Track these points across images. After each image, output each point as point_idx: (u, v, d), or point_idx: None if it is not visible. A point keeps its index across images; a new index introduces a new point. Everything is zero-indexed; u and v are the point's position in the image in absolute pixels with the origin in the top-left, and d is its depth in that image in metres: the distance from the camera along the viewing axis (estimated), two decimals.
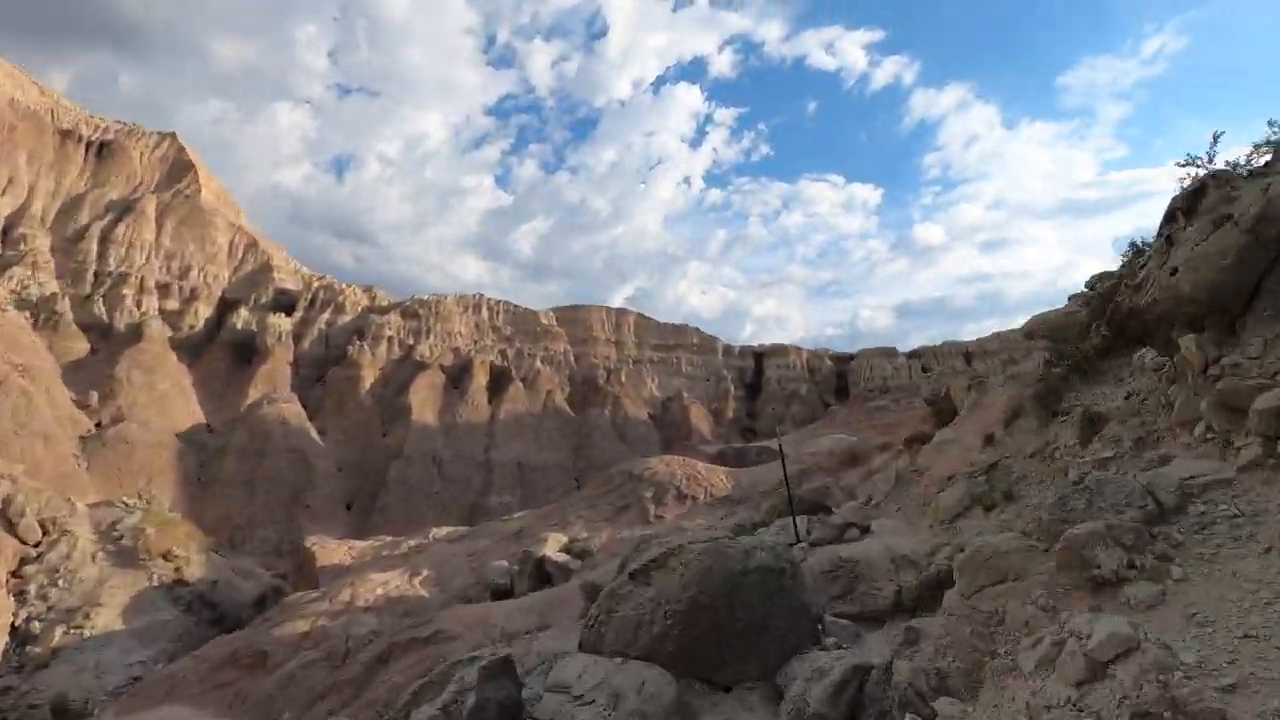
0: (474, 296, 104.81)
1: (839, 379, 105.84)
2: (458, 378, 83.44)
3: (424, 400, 76.33)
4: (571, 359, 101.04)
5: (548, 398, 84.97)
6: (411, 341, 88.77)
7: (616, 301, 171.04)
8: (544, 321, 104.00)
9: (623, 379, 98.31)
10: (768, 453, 58.23)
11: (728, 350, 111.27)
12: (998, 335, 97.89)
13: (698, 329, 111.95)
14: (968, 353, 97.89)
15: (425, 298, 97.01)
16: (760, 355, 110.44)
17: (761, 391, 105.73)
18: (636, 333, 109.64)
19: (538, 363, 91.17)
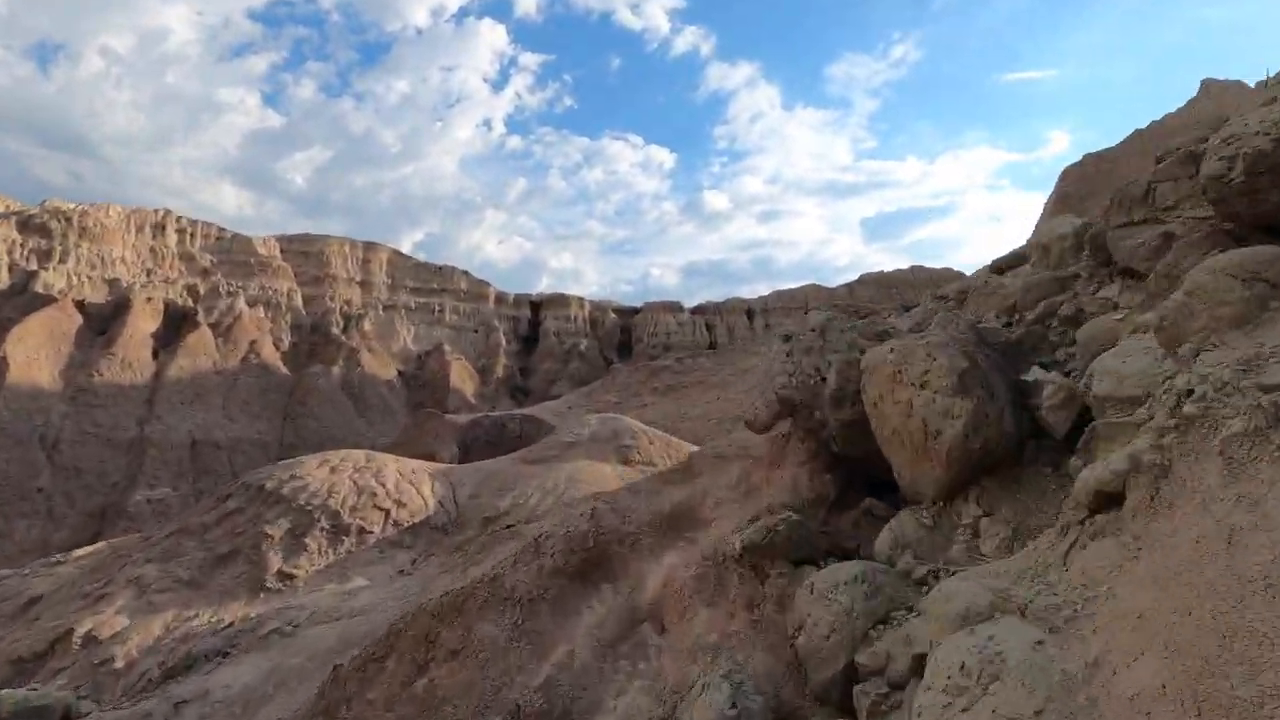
0: (157, 213, 77.49)
1: (623, 334, 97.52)
2: (105, 321, 59.11)
3: (35, 351, 51.85)
4: (299, 301, 79.57)
5: (251, 350, 64.11)
6: (34, 266, 61.63)
7: (406, 246, 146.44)
8: (262, 251, 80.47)
9: (366, 328, 79.68)
10: (533, 424, 46.50)
11: (500, 298, 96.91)
12: (778, 293, 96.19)
13: (466, 272, 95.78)
14: (749, 310, 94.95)
15: (67, 206, 68.59)
16: (538, 305, 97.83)
17: (539, 346, 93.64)
18: (390, 272, 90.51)
19: (240, 303, 68.97)
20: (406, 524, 19.30)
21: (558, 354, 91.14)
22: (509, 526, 17.92)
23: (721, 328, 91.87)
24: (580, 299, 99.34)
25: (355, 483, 20.03)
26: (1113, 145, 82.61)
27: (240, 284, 74.19)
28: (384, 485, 20.13)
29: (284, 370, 66.07)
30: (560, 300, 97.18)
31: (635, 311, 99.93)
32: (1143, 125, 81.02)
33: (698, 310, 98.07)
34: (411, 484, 20.90)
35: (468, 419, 49.25)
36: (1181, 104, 77.38)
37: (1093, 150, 77.01)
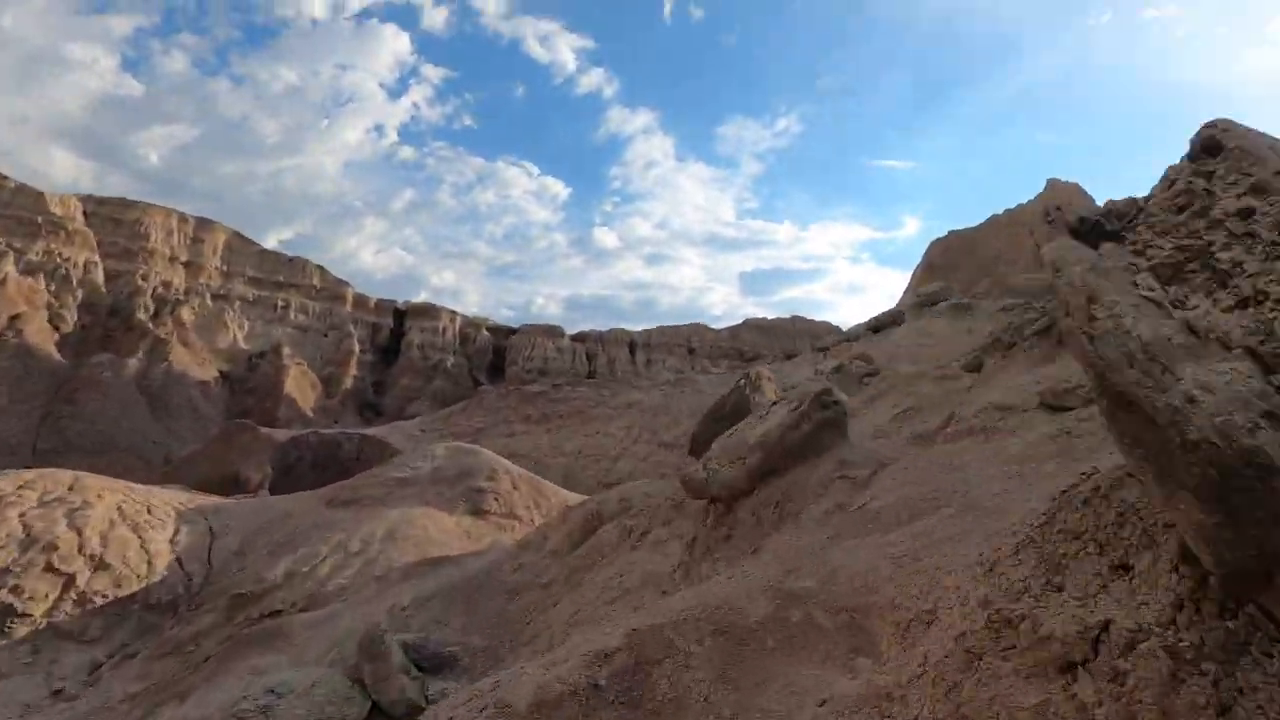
0: None
1: (496, 354, 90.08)
2: None
3: None
4: (99, 276, 65.47)
5: (10, 326, 50.59)
6: None
7: (271, 242, 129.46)
8: (56, 210, 65.69)
9: (185, 317, 66.94)
10: (375, 447, 38.61)
11: (360, 301, 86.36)
12: (661, 328, 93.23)
13: (322, 267, 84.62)
14: (632, 342, 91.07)
15: None
16: (403, 313, 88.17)
17: (399, 358, 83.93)
18: (227, 257, 77.71)
19: (8, 266, 54.86)
20: (105, 598, 12.06)
21: (420, 369, 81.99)
22: (272, 614, 11.28)
23: (603, 358, 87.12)
24: (452, 312, 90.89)
25: (26, 526, 12.50)
26: (974, 225, 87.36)
27: (17, 245, 59.51)
28: (78, 531, 12.71)
29: (56, 357, 52.76)
30: (429, 310, 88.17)
31: (512, 332, 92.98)
32: (999, 211, 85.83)
33: (579, 338, 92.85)
34: (135, 530, 13.58)
35: (290, 435, 40.40)
36: (1029, 198, 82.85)
37: (955, 229, 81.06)
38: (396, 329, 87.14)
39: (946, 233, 76.14)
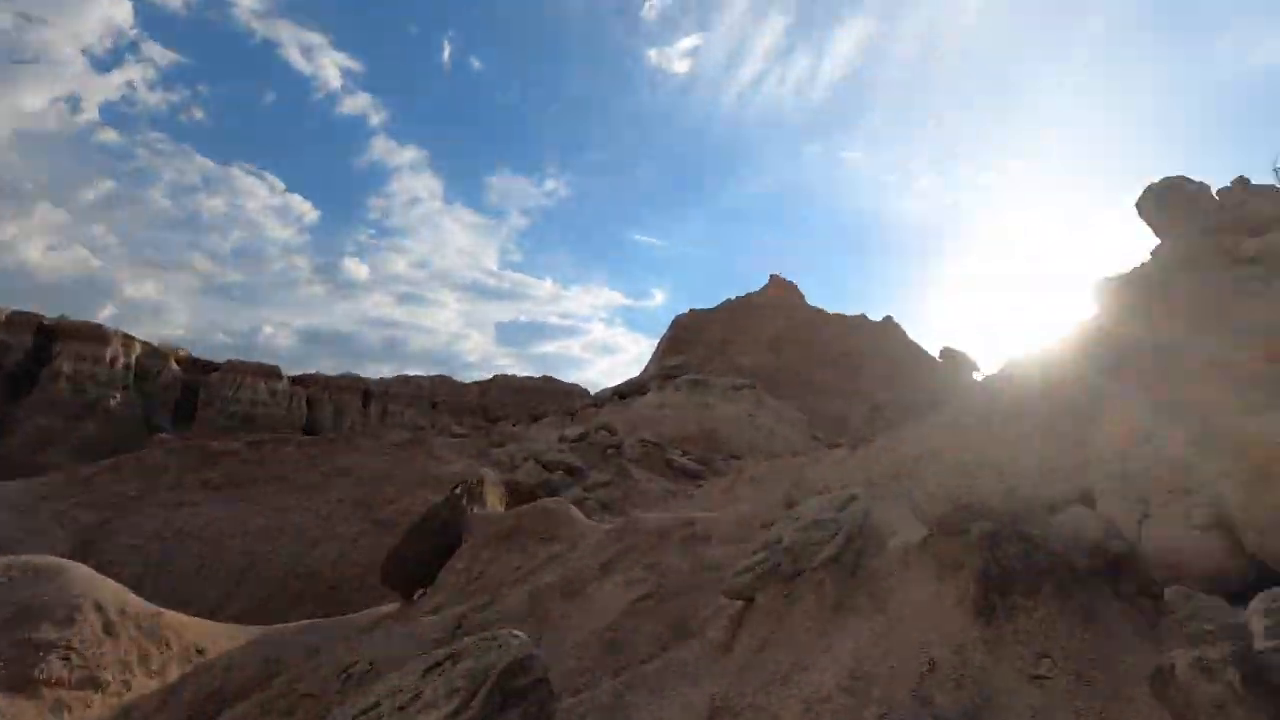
0: None
1: (188, 394, 74.31)
2: None
3: None
4: None
5: None
6: None
7: None
8: None
9: None
10: None
11: None
12: (403, 378, 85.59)
13: None
14: (368, 391, 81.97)
15: None
16: (51, 331, 68.64)
17: (35, 390, 64.62)
18: None
19: None
20: None
21: (67, 407, 63.85)
22: None
23: (328, 407, 76.70)
24: (129, 336, 73.20)
25: None
26: (711, 307, 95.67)
27: None
28: None
29: None
30: (90, 331, 69.61)
31: (213, 368, 77.78)
32: (731, 297, 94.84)
33: (301, 381, 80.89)
34: None
35: None
36: (757, 289, 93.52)
37: (695, 307, 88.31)
38: (38, 350, 67.37)
39: (688, 310, 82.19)
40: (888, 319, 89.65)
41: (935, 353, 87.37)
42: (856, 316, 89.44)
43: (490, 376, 76.20)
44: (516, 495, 14.23)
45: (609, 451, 30.12)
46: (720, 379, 50.58)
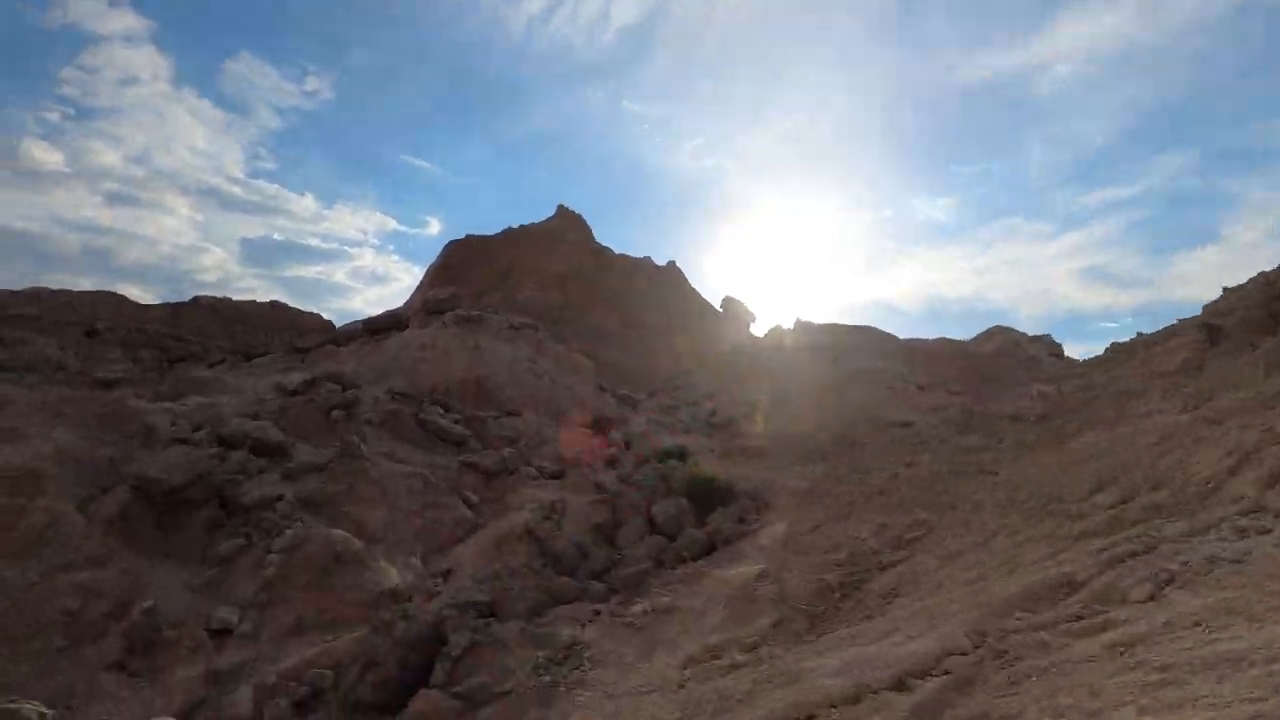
0: None
1: None
2: None
3: None
4: None
5: None
6: None
7: None
8: None
9: None
10: None
11: None
12: (38, 292, 62.22)
13: None
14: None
15: None
16: None
17: None
18: None
19: None
20: None
21: None
22: None
23: None
24: None
25: None
26: (490, 234, 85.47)
27: None
28: None
29: None
30: None
31: None
32: (513, 226, 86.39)
33: None
34: None
35: None
36: (542, 219, 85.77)
37: (473, 234, 78.25)
38: None
39: (464, 236, 71.69)
40: (671, 264, 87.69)
41: (712, 302, 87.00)
42: (642, 259, 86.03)
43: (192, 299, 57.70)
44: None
45: (335, 414, 21.20)
46: (496, 316, 42.63)
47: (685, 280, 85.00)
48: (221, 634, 11.94)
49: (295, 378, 27.87)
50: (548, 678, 8.94)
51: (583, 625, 10.59)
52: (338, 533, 14.62)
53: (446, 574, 15.22)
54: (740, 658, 7.74)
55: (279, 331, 52.62)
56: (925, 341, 66.90)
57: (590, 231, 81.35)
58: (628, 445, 31.13)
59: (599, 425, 34.31)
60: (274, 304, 60.49)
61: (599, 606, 12.01)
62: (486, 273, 67.46)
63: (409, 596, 13.92)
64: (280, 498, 15.61)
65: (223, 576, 13.42)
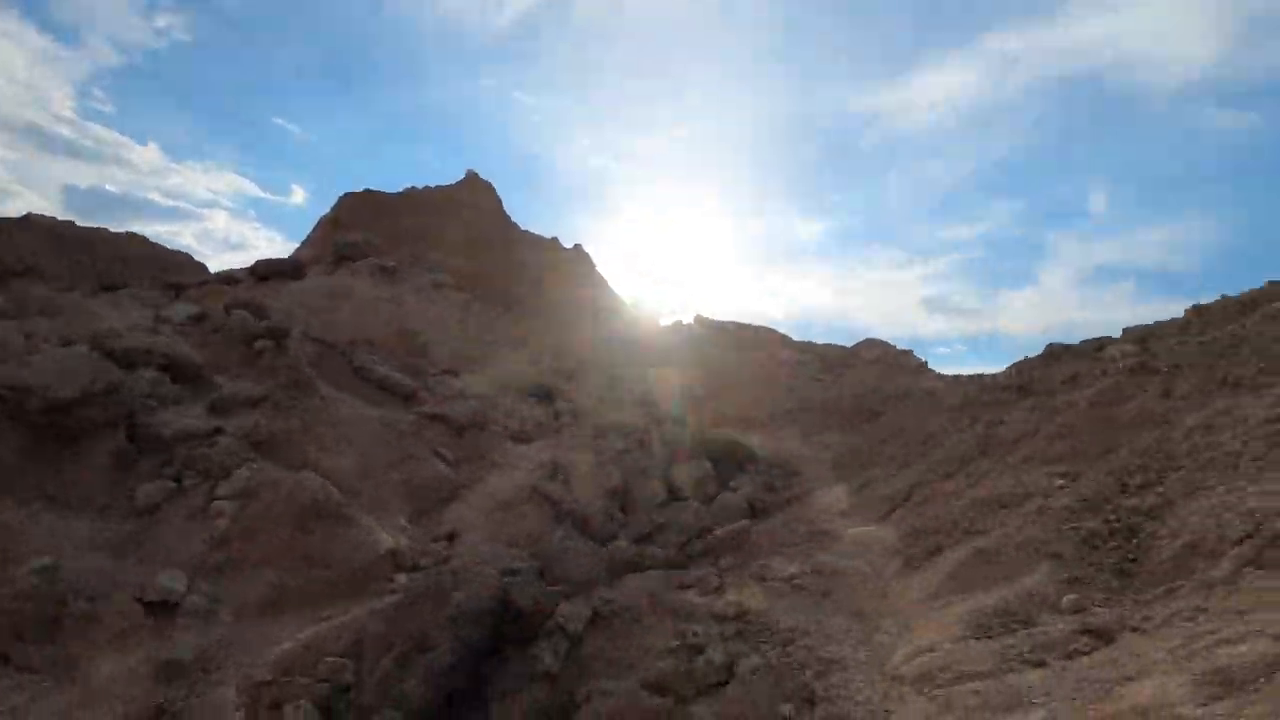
0: None
1: None
2: None
3: None
4: None
5: None
6: None
7: None
8: None
9: None
10: None
11: None
12: None
13: None
14: None
15: None
16: None
17: None
18: None
19: None
20: None
21: None
22: None
23: None
24: None
25: None
26: (390, 192, 78.18)
27: None
28: None
29: None
30: None
31: None
32: (417, 186, 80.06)
33: None
34: None
35: None
36: (451, 181, 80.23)
37: (373, 189, 71.20)
38: None
39: (364, 190, 64.64)
40: (578, 247, 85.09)
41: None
42: (551, 239, 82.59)
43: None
44: None
45: (261, 345, 16.79)
46: (416, 271, 38.07)
47: (593, 265, 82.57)
48: (162, 608, 8.13)
49: (181, 309, 22.47)
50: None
51: (719, 590, 8.06)
52: (310, 477, 10.93)
53: (450, 537, 11.93)
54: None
55: (140, 267, 43.55)
56: (817, 345, 68.70)
57: (501, 203, 76.71)
58: (576, 417, 28.42)
59: (542, 394, 31.13)
60: (133, 235, 50.38)
61: (709, 574, 9.46)
62: (385, 233, 61.02)
63: (413, 563, 10.56)
64: (218, 431, 11.52)
65: (147, 531, 9.40)
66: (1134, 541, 6.76)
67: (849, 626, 7.14)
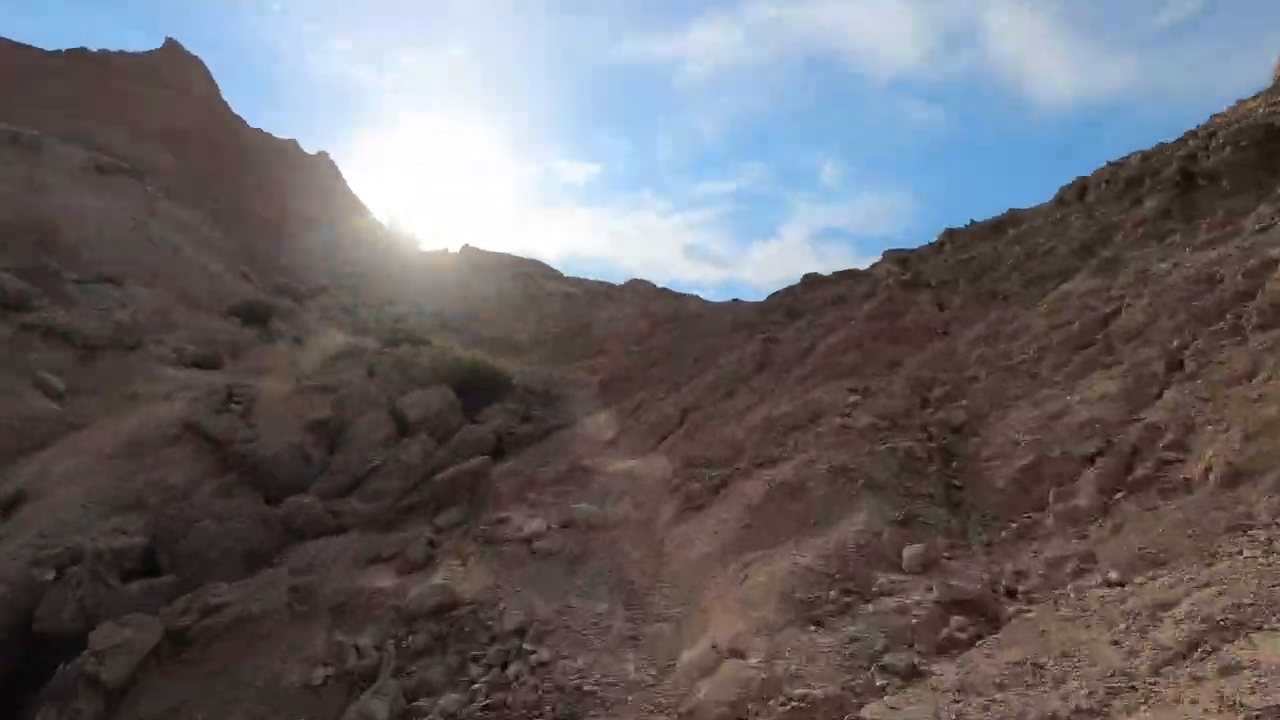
0: None
1: None
2: None
3: None
4: None
5: None
6: None
7: None
8: None
9: None
10: None
11: None
12: None
13: None
14: None
15: None
16: None
17: None
18: None
19: None
20: None
21: None
22: None
23: None
24: None
25: None
26: (47, 49, 60.25)
27: None
28: None
29: None
30: None
31: None
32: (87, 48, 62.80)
33: None
34: None
35: None
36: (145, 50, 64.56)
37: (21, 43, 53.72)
38: None
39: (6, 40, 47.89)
40: (323, 154, 73.70)
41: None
42: (286, 140, 70.11)
43: None
44: None
45: None
46: (68, 147, 28.60)
47: (340, 175, 72.07)
48: None
49: None
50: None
51: (429, 563, 5.38)
52: None
53: (10, 506, 7.67)
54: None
55: None
56: (585, 279, 68.36)
57: (216, 87, 62.47)
58: (301, 341, 23.41)
59: (252, 314, 25.10)
60: None
61: (419, 538, 6.68)
62: (38, 100, 45.82)
63: None
64: None
65: None
66: (954, 464, 5.77)
67: (610, 611, 5.16)
